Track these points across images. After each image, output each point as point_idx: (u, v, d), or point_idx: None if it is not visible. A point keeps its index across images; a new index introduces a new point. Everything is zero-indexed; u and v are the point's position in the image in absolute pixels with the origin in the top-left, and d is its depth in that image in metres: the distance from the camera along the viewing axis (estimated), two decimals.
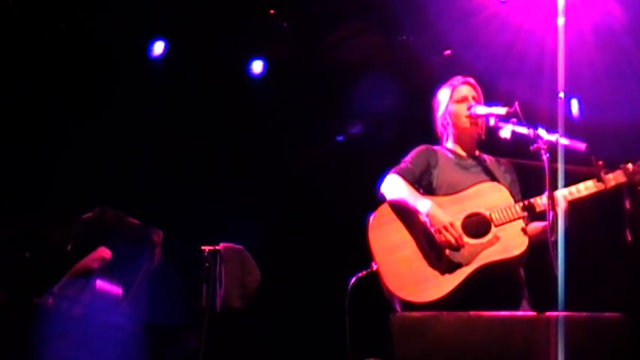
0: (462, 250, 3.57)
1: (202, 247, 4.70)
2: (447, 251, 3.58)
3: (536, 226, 3.73)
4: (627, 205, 3.59)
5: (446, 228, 3.58)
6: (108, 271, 4.69)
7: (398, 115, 6.35)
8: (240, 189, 6.45)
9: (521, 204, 3.66)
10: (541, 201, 3.61)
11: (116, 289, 4.66)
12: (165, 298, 5.02)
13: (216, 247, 4.70)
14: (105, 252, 4.68)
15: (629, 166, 3.68)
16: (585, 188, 3.67)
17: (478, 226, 3.64)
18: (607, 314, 3.19)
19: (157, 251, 4.86)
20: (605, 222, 4.10)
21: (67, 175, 5.82)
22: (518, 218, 3.64)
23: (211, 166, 6.46)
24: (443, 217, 3.61)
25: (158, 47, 6.27)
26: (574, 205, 3.66)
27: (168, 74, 6.30)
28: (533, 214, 3.66)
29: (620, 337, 3.14)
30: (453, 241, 3.56)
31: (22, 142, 5.89)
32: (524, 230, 3.62)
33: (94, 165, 5.88)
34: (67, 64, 5.99)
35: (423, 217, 3.64)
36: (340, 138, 6.97)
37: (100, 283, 4.60)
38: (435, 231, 3.59)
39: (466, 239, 3.60)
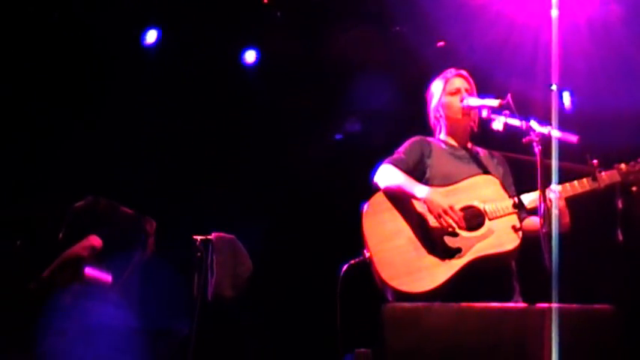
0: (456, 242, 3.58)
1: (194, 237, 4.70)
2: (445, 238, 3.57)
3: (534, 220, 3.71)
4: (619, 204, 3.62)
5: (445, 211, 3.57)
6: (99, 258, 4.66)
7: (392, 108, 6.34)
8: (232, 179, 6.43)
9: (513, 200, 3.67)
10: (533, 197, 3.61)
11: (105, 277, 4.63)
12: (156, 287, 5.01)
13: (208, 237, 4.70)
14: (95, 240, 4.65)
15: (623, 166, 3.72)
16: (580, 186, 3.70)
17: (472, 218, 3.64)
18: (597, 306, 3.21)
19: (150, 241, 4.83)
20: (597, 218, 4.11)
21: (58, 165, 5.79)
22: (512, 213, 3.64)
23: (204, 156, 6.44)
24: (442, 201, 3.61)
25: (151, 36, 6.25)
26: (569, 201, 3.68)
27: (161, 63, 6.28)
28: (525, 210, 3.67)
29: (611, 328, 3.16)
30: (453, 224, 3.56)
31: (13, 132, 5.86)
32: (517, 225, 3.62)
33: (87, 154, 5.85)
34: (60, 52, 5.96)
35: (420, 203, 3.64)
36: (339, 136, 6.97)
37: (89, 271, 4.57)
38: (435, 215, 3.59)
39: (460, 231, 3.60)
